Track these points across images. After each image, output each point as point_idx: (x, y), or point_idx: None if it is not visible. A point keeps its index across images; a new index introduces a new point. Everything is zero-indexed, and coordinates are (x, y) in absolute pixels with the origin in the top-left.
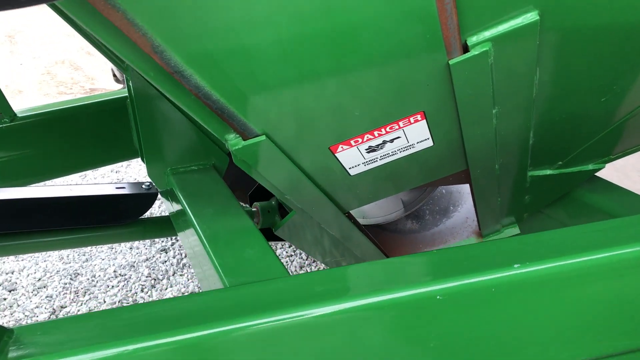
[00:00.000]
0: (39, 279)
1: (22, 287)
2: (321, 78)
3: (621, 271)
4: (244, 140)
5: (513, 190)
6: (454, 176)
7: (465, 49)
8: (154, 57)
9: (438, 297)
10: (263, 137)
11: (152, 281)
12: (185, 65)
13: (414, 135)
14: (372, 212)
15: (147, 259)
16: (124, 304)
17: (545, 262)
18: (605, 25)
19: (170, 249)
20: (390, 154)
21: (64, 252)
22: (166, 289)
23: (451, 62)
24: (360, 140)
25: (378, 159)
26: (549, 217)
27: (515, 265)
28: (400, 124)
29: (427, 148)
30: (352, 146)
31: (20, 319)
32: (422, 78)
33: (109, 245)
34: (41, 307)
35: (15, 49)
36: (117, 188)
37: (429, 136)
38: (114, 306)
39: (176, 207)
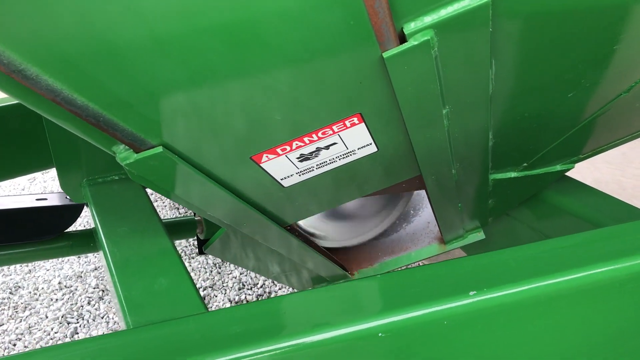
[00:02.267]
0: None
1: None
2: (222, 80)
3: (593, 295)
4: (137, 152)
5: (474, 195)
6: (407, 182)
7: (402, 38)
8: None
9: (380, 334)
10: (160, 149)
11: (100, 293)
12: (24, 62)
13: (354, 141)
14: (333, 235)
15: (95, 268)
16: (68, 319)
17: (507, 288)
18: (571, 9)
19: None
20: (328, 162)
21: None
22: None
23: (385, 55)
24: (288, 148)
25: (314, 168)
26: (515, 220)
27: (471, 293)
28: (335, 128)
29: (372, 154)
30: (279, 155)
31: None
32: (352, 75)
33: None
34: None
35: None
36: (37, 200)
37: (372, 141)
38: (57, 322)
39: (92, 224)
